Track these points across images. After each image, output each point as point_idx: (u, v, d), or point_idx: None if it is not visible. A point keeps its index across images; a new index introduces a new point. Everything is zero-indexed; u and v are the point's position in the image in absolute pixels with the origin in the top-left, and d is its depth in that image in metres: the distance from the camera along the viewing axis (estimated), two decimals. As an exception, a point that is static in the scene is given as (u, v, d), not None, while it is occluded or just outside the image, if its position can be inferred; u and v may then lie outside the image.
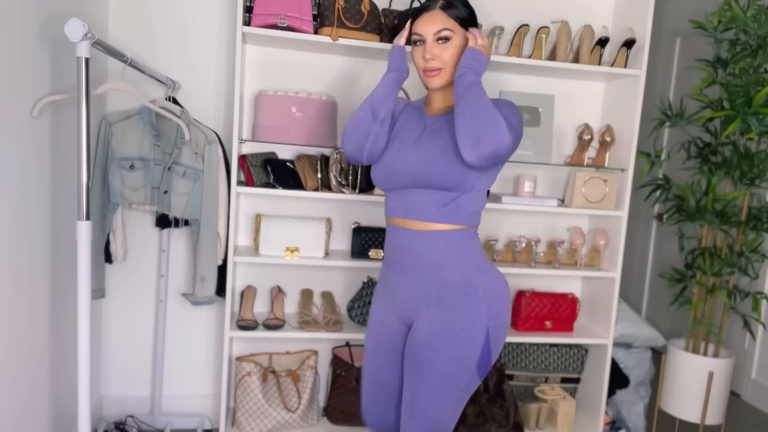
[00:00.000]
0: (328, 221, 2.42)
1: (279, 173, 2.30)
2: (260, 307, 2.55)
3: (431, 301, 1.55)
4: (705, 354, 2.58)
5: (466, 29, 1.57)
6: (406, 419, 1.56)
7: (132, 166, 2.24)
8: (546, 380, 2.66)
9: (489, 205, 2.35)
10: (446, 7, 1.54)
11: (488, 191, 1.63)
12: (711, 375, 2.48)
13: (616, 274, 2.47)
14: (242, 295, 2.48)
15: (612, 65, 2.42)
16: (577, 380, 2.69)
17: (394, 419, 1.72)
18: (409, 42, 1.63)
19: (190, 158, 2.24)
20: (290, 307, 2.58)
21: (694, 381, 2.52)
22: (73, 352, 2.12)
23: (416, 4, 2.31)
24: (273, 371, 2.43)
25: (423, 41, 1.55)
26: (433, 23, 1.53)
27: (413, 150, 1.56)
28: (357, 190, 2.32)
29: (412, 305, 1.59)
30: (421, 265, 1.56)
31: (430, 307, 1.55)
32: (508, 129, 1.44)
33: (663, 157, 2.80)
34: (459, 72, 1.52)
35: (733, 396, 3.36)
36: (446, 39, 1.53)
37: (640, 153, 2.58)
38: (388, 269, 1.66)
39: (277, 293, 2.50)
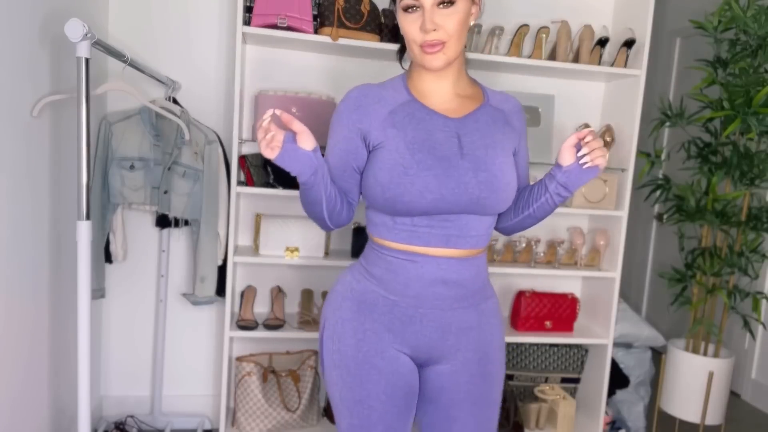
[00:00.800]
0: (328, 221, 2.41)
1: (279, 173, 2.30)
2: (260, 307, 2.55)
3: (472, 328, 1.32)
4: (705, 354, 2.58)
5: None
6: None
7: (132, 166, 2.24)
8: (546, 380, 2.65)
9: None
10: None
11: None
12: (711, 375, 2.48)
13: (616, 274, 2.47)
14: (242, 295, 2.48)
15: (612, 65, 2.42)
16: (577, 380, 2.69)
17: None
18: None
19: (190, 158, 2.24)
20: (290, 307, 2.58)
21: (694, 381, 2.52)
22: (73, 352, 2.12)
23: None
24: (273, 371, 2.43)
25: (418, 6, 1.19)
26: None
27: (465, 171, 1.23)
28: (357, 190, 2.32)
29: (446, 341, 1.31)
30: (463, 297, 1.30)
31: (469, 337, 1.32)
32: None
33: (663, 157, 2.80)
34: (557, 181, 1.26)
35: (733, 396, 3.36)
36: (450, 2, 1.19)
37: (640, 153, 2.58)
38: (403, 306, 1.28)
39: (277, 293, 2.50)
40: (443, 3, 1.18)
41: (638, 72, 2.37)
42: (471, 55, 2.28)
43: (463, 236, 1.27)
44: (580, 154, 1.22)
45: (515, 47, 2.41)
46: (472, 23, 1.26)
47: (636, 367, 2.74)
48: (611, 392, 2.65)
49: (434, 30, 1.19)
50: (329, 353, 1.31)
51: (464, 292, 1.30)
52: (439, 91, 1.30)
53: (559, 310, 2.54)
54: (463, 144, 1.26)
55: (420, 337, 1.29)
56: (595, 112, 2.66)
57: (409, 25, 1.21)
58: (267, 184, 2.30)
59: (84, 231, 1.55)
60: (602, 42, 2.39)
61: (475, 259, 1.31)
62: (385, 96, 1.29)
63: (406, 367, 1.29)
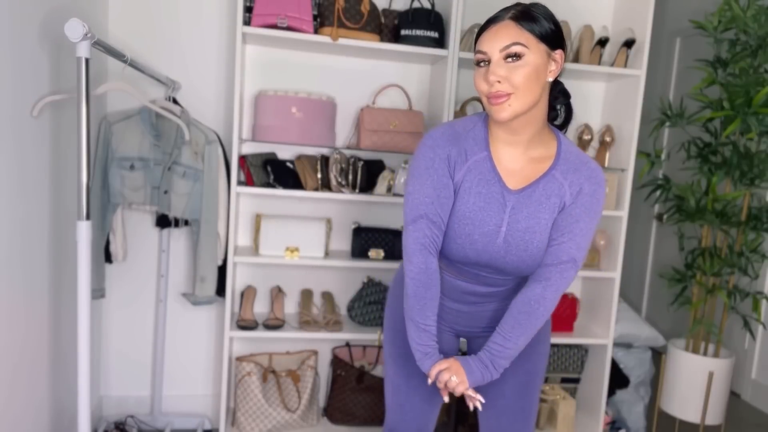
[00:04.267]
0: (328, 221, 2.42)
1: (279, 173, 2.30)
2: (260, 307, 2.55)
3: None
4: (705, 354, 2.58)
5: (552, 50, 1.25)
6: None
7: (132, 166, 2.24)
8: (546, 380, 2.65)
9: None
10: (520, 18, 1.22)
11: None
12: (711, 375, 2.48)
13: (616, 274, 2.47)
14: (242, 295, 2.48)
15: (612, 65, 2.42)
16: (577, 380, 2.69)
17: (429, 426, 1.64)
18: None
19: (190, 158, 2.24)
20: (290, 307, 2.58)
21: (694, 381, 2.52)
22: (73, 352, 2.12)
23: (416, 4, 2.31)
24: (273, 371, 2.43)
25: (487, 61, 1.24)
26: (500, 37, 1.22)
27: (498, 249, 1.32)
28: (357, 190, 2.32)
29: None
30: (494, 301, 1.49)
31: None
32: (567, 272, 1.33)
33: (663, 157, 2.80)
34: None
35: (733, 396, 3.36)
36: (517, 56, 1.21)
37: (640, 153, 2.58)
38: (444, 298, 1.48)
39: (277, 293, 2.50)
40: (510, 56, 1.21)
41: (638, 72, 2.37)
42: (471, 55, 2.29)
43: (490, 284, 1.41)
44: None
45: (515, 47, 2.41)
46: (550, 80, 1.27)
47: (636, 367, 2.74)
48: (611, 392, 2.65)
49: (498, 82, 1.22)
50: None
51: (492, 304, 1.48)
52: (512, 152, 1.32)
53: (559, 310, 2.54)
54: (509, 222, 1.31)
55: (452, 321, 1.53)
56: (595, 112, 2.67)
57: (479, 78, 1.26)
58: (267, 184, 2.30)
59: (84, 231, 1.55)
60: (602, 42, 2.39)
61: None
62: (470, 145, 1.33)
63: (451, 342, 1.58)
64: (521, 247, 1.31)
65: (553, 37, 1.25)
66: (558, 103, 1.36)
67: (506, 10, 1.25)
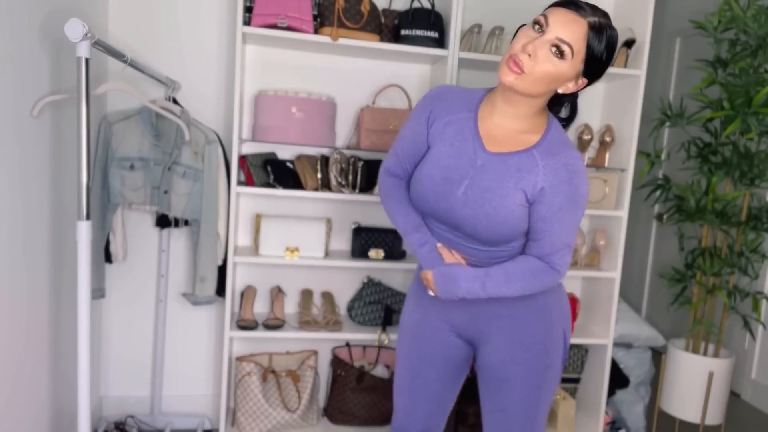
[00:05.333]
0: (328, 221, 2.42)
1: (279, 173, 2.30)
2: (260, 307, 2.55)
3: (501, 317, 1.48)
4: (705, 354, 2.58)
5: (582, 73, 1.27)
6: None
7: (132, 166, 2.24)
8: (546, 380, 2.65)
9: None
10: (593, 27, 1.22)
11: None
12: (711, 375, 2.48)
13: (616, 274, 2.47)
14: (242, 295, 2.48)
15: (612, 65, 2.42)
16: (577, 380, 2.69)
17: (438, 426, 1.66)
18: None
19: (190, 158, 2.24)
20: (290, 307, 2.58)
21: (694, 381, 2.52)
22: (73, 352, 2.12)
23: (416, 4, 2.31)
24: (273, 371, 2.43)
25: (542, 32, 1.23)
26: (568, 28, 1.21)
27: (456, 201, 1.36)
28: (357, 190, 2.32)
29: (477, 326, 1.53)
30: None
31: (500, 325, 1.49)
32: (565, 257, 1.37)
33: (663, 157, 2.80)
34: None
35: (733, 396, 3.36)
36: (560, 53, 1.21)
37: (640, 153, 2.58)
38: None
39: (277, 293, 2.50)
40: (556, 47, 1.21)
41: (638, 72, 2.37)
42: (471, 55, 2.29)
43: (464, 251, 1.43)
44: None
45: (515, 47, 2.41)
46: (561, 91, 1.30)
47: (636, 367, 2.74)
48: (611, 392, 2.65)
49: (528, 56, 1.22)
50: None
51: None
52: (500, 121, 1.36)
53: (559, 310, 2.53)
54: (473, 177, 1.35)
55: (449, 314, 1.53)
56: (595, 112, 2.66)
57: (523, 35, 1.25)
58: (267, 184, 2.30)
59: (84, 231, 1.55)
60: (602, 42, 2.39)
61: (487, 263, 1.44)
62: (456, 105, 1.40)
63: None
64: (478, 203, 1.33)
65: (596, 65, 1.27)
66: (566, 100, 1.38)
67: (594, 9, 1.24)
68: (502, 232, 1.34)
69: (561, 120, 1.41)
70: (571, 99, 1.39)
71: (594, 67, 1.27)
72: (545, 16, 1.23)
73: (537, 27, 1.24)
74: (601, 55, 1.25)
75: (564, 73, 1.24)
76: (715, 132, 2.54)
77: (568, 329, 1.51)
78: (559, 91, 1.29)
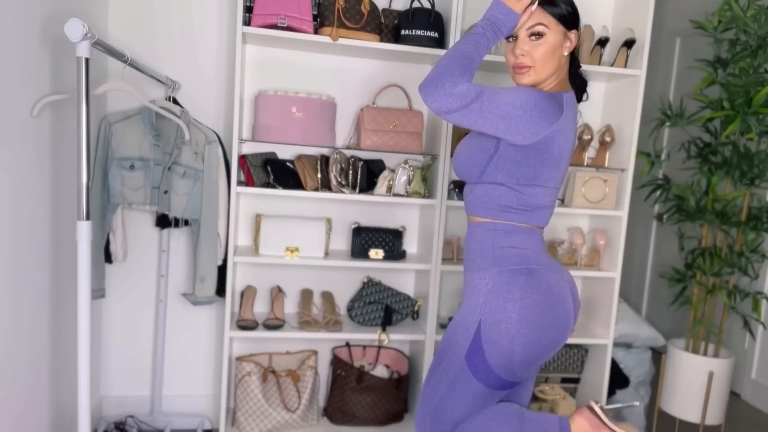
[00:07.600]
0: (328, 221, 2.42)
1: (279, 173, 2.30)
2: (260, 307, 2.55)
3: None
4: (705, 354, 2.58)
5: (568, 30, 1.48)
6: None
7: (132, 166, 2.24)
8: (546, 380, 2.66)
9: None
10: (544, 2, 1.45)
11: (561, 198, 1.56)
12: (711, 375, 2.48)
13: (616, 274, 2.47)
14: (242, 295, 2.48)
15: (612, 65, 2.42)
16: (577, 380, 2.69)
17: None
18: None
19: (190, 158, 2.24)
20: (290, 307, 2.58)
21: (694, 381, 2.52)
22: (73, 352, 2.12)
23: (416, 4, 2.31)
24: (273, 371, 2.43)
25: (515, 37, 1.48)
26: (530, 19, 1.45)
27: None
28: (357, 190, 2.32)
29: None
30: (466, 259, 1.58)
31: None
32: (463, 98, 1.35)
33: (663, 157, 2.80)
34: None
35: (733, 396, 3.36)
36: (539, 35, 1.44)
37: (640, 153, 2.58)
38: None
39: (277, 293, 2.50)
40: (533, 35, 1.45)
41: (638, 72, 2.37)
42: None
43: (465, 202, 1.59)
44: None
45: (515, 47, 2.41)
46: (566, 54, 1.49)
47: (636, 367, 2.74)
48: (611, 392, 2.65)
49: (522, 55, 1.46)
50: None
51: (466, 254, 1.56)
52: None
53: (559, 310, 2.53)
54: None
55: None
56: (595, 112, 2.66)
57: (507, 51, 1.51)
58: (267, 184, 2.30)
59: (84, 231, 1.55)
60: (602, 42, 2.39)
61: (474, 225, 1.54)
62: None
63: None
64: (458, 150, 1.58)
65: (570, 18, 1.47)
66: (574, 70, 1.57)
67: None
68: (465, 164, 1.56)
69: (579, 91, 1.60)
70: (574, 69, 1.57)
71: (568, 21, 1.47)
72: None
73: (511, 39, 1.50)
74: (565, 12, 1.47)
75: (554, 41, 1.46)
76: (715, 132, 2.54)
77: (498, 328, 1.42)
78: (565, 53, 1.49)
